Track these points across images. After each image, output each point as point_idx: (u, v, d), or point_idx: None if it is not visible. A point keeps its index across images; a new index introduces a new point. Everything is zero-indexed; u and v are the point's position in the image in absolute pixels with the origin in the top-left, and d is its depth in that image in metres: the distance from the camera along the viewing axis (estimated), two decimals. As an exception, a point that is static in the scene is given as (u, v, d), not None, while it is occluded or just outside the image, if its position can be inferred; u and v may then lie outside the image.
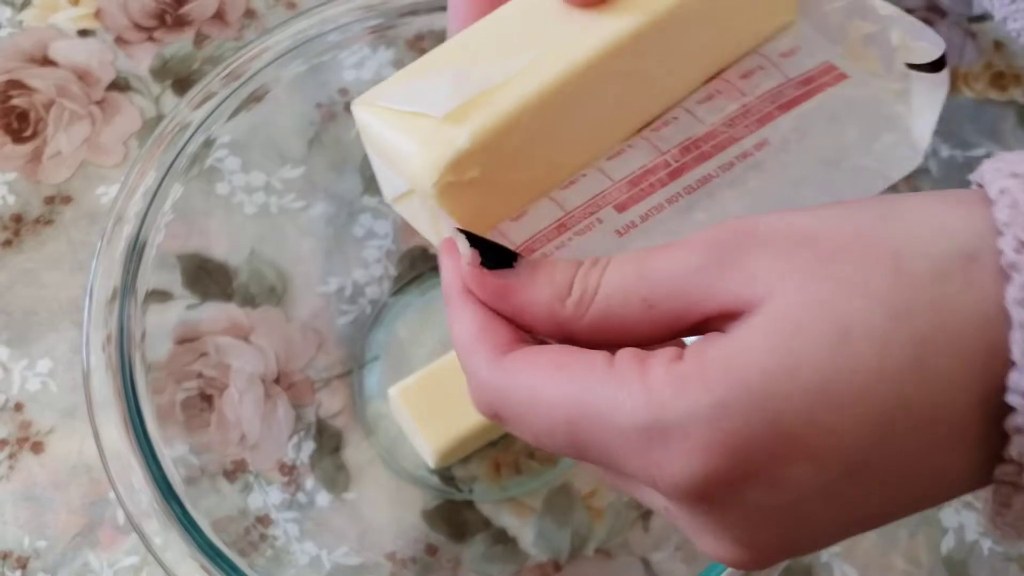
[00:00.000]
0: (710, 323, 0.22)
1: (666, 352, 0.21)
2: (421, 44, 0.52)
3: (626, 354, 0.21)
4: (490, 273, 0.23)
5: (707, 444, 0.20)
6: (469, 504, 0.45)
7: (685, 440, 0.20)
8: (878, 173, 0.27)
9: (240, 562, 0.37)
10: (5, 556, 0.44)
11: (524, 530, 0.45)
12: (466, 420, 0.43)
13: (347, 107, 0.51)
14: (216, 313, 0.47)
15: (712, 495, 0.20)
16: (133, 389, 0.40)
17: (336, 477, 0.45)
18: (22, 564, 0.44)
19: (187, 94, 0.44)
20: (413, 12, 0.47)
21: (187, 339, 0.46)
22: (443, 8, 0.46)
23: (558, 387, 0.21)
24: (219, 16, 0.54)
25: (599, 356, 0.22)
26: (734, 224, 0.22)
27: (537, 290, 0.23)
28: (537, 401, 0.22)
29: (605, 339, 0.22)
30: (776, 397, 0.20)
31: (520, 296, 0.23)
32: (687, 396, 0.20)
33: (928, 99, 0.26)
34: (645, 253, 0.22)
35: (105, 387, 0.40)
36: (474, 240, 0.23)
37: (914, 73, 0.26)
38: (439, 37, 0.53)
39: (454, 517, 0.45)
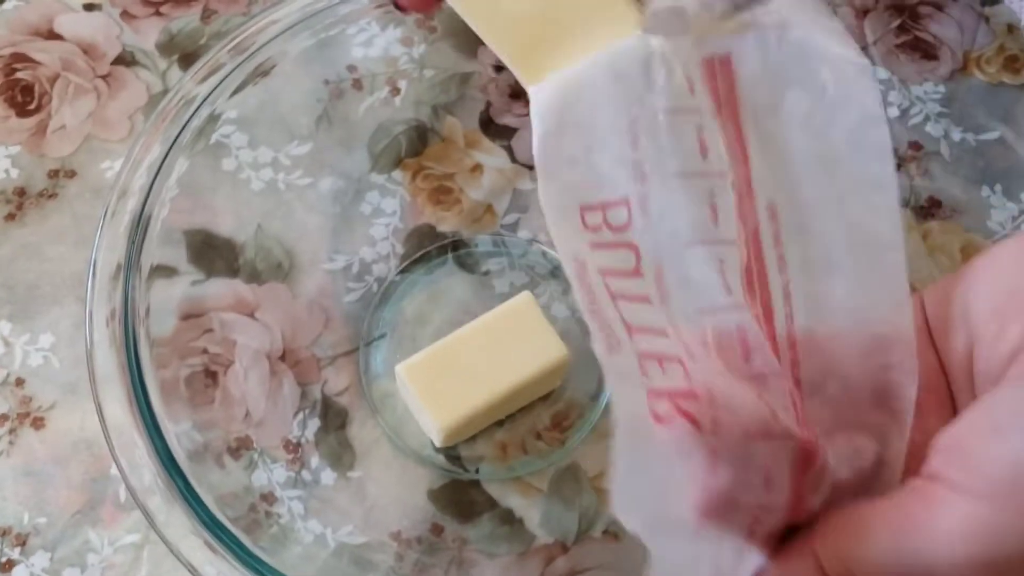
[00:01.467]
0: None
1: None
2: (429, 22, 0.52)
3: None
4: None
5: None
6: (475, 484, 0.45)
7: None
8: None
9: (244, 538, 0.36)
10: (4, 532, 0.43)
11: (530, 511, 0.44)
12: (473, 398, 0.42)
13: (355, 84, 0.51)
14: (221, 289, 0.47)
15: None
16: (138, 364, 0.40)
17: (341, 455, 0.45)
18: (21, 541, 0.43)
19: (192, 67, 0.43)
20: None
21: (192, 315, 0.46)
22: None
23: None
24: (226, -9, 0.54)
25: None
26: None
27: None
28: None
29: None
30: None
31: None
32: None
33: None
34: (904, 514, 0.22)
35: (108, 362, 0.39)
36: None
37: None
38: (447, 15, 0.53)
39: (460, 497, 0.45)
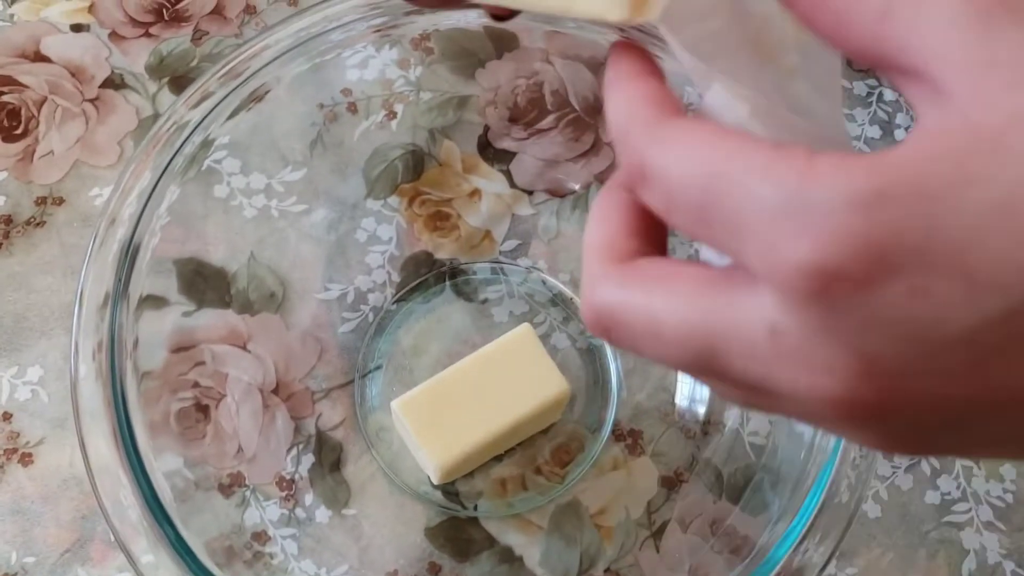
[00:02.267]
0: (923, 85, 0.19)
1: (840, 149, 0.19)
2: (426, 43, 0.51)
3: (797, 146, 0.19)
4: None
5: (851, 228, 0.17)
6: (473, 521, 0.44)
7: (828, 217, 0.17)
8: None
9: (235, 584, 0.35)
10: (-8, 571, 0.42)
11: (531, 548, 0.43)
12: (471, 435, 0.41)
13: (350, 107, 0.50)
14: (213, 320, 0.46)
15: (838, 290, 0.17)
16: (124, 400, 0.38)
17: (336, 492, 0.44)
18: (10, 580, 0.42)
19: (184, 92, 0.42)
20: (418, 11, 0.45)
21: (182, 347, 0.45)
22: (447, 7, 0.45)
23: (712, 142, 0.19)
24: (218, 12, 0.52)
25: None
26: None
27: None
28: (678, 157, 0.20)
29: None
30: (948, 206, 0.17)
31: None
32: (846, 179, 0.17)
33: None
34: None
35: (94, 397, 0.38)
36: None
37: None
38: (444, 37, 0.52)
39: (458, 534, 0.44)
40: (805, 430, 0.41)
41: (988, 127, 0.18)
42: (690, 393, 0.45)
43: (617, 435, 0.45)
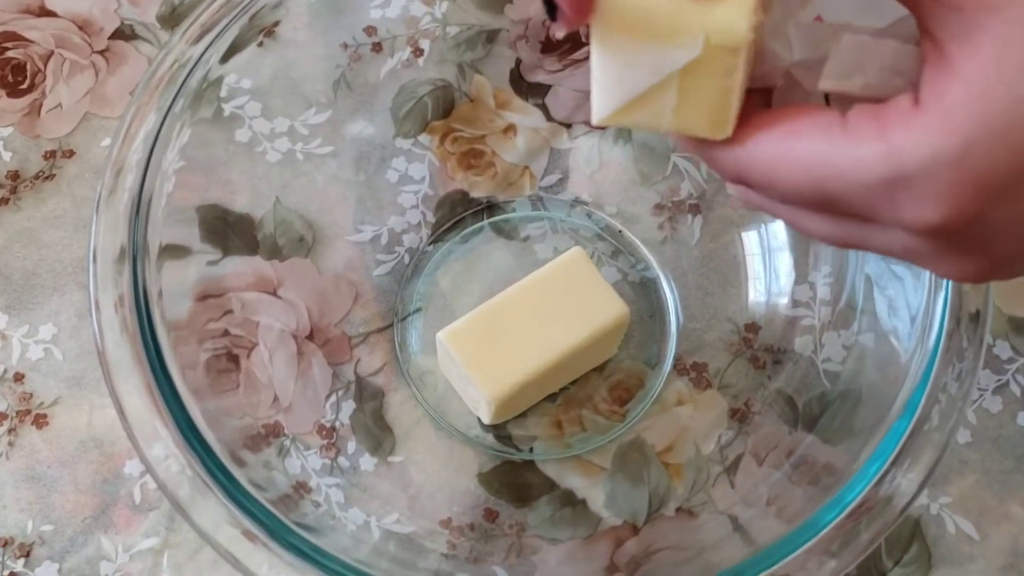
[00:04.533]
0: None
1: (899, 104, 0.21)
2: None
3: (859, 112, 0.22)
4: None
5: (953, 184, 0.21)
6: (530, 464, 0.40)
7: (933, 181, 0.21)
8: None
9: (287, 520, 0.32)
10: (6, 543, 0.39)
11: (594, 491, 0.40)
12: (525, 364, 0.38)
13: (374, 47, 0.47)
14: (240, 267, 0.43)
15: (960, 227, 0.21)
16: (156, 348, 0.35)
17: (380, 439, 0.40)
18: (25, 552, 0.39)
19: (179, 27, 0.39)
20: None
21: (209, 295, 0.41)
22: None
23: (798, 155, 0.22)
24: (230, -39, 0.50)
25: (832, 117, 0.22)
26: None
27: None
28: (780, 170, 0.23)
29: None
30: (1019, 128, 0.20)
31: None
32: (927, 143, 0.20)
33: None
34: None
35: (121, 351, 0.35)
36: None
37: None
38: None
39: (514, 479, 0.40)
40: (889, 349, 0.38)
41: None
42: (759, 322, 0.42)
43: (679, 369, 0.42)
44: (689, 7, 0.22)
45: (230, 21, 0.40)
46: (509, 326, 0.38)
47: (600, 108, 0.24)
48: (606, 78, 0.23)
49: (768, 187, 0.23)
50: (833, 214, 0.24)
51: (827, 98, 0.25)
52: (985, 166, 0.20)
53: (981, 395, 0.42)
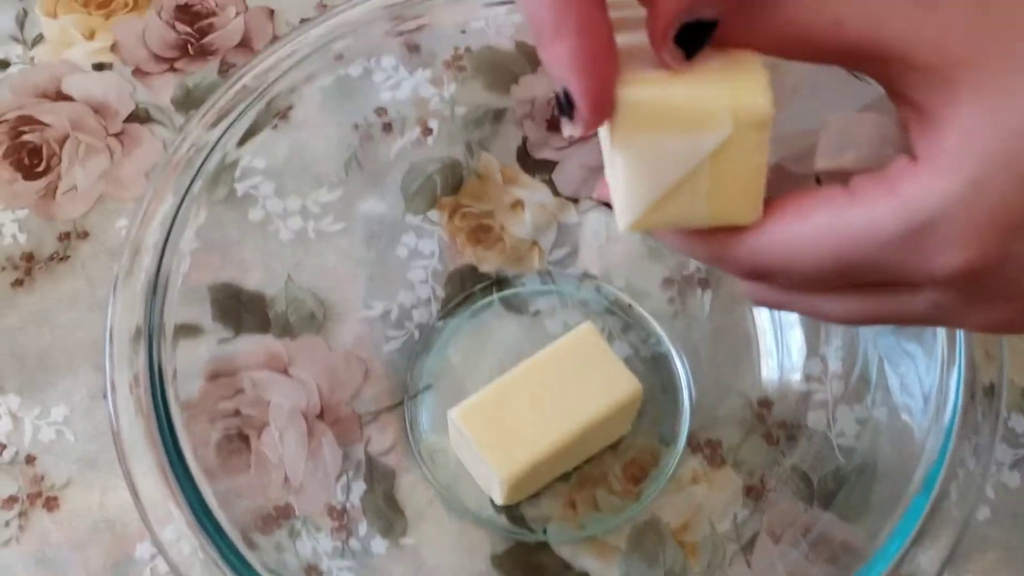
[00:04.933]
0: (891, 66, 0.21)
1: (898, 164, 0.22)
2: (459, 63, 0.49)
3: (860, 179, 0.22)
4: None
5: (972, 220, 0.21)
6: (543, 546, 0.40)
7: (951, 224, 0.21)
8: None
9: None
10: (15, 631, 0.38)
11: (609, 572, 0.39)
12: (537, 443, 0.38)
13: (385, 127, 0.48)
14: (251, 346, 0.43)
15: (986, 267, 0.21)
16: (171, 430, 0.35)
17: (392, 520, 0.40)
18: (34, 639, 0.38)
19: (197, 112, 0.40)
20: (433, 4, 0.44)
21: (220, 375, 0.42)
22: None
23: (813, 231, 0.22)
24: (245, 44, 0.51)
25: (835, 190, 0.22)
26: None
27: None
28: (797, 248, 0.23)
29: (782, 47, 0.22)
30: (1020, 157, 0.20)
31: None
32: (937, 188, 0.21)
33: None
34: None
35: (135, 431, 0.35)
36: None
37: None
38: (476, 56, 0.50)
39: (528, 561, 0.39)
40: (903, 424, 0.38)
41: (1005, 85, 0.20)
42: (773, 397, 0.42)
43: (693, 446, 0.42)
44: (709, 90, 0.22)
45: (246, 107, 0.41)
46: (521, 404, 0.38)
47: (629, 211, 0.23)
48: (634, 178, 0.23)
49: (786, 271, 0.23)
50: (856, 288, 0.23)
51: (818, 181, 0.25)
52: (998, 200, 0.21)
53: (998, 470, 0.41)
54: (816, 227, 0.22)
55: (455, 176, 0.47)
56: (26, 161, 0.48)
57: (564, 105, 0.22)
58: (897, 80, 0.22)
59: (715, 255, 0.24)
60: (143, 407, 0.35)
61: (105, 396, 0.35)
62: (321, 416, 0.42)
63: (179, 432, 0.36)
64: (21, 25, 0.52)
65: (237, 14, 0.52)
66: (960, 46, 0.21)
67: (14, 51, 0.51)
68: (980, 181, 0.20)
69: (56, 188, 0.47)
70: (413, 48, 0.48)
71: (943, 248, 0.21)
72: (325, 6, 0.53)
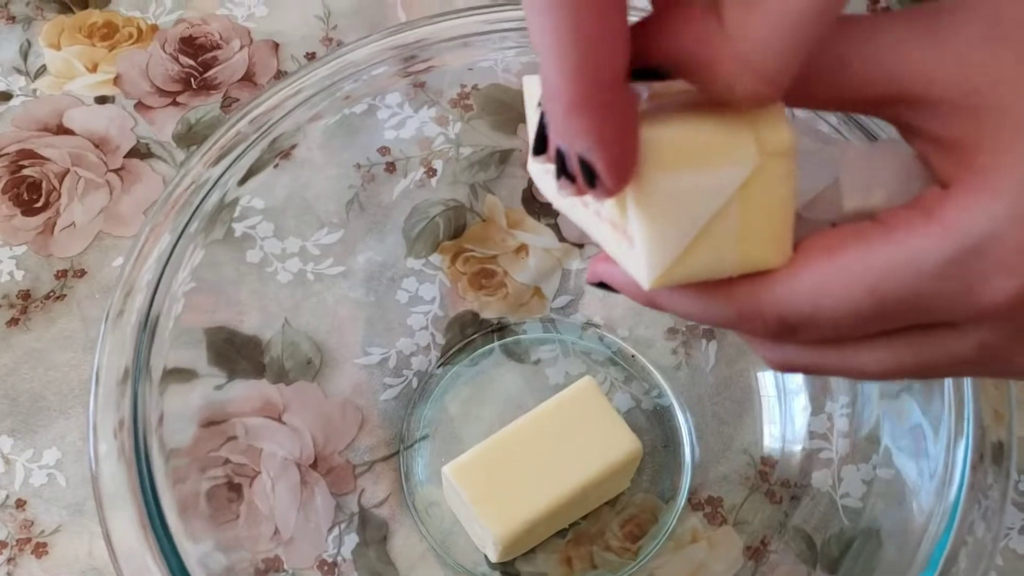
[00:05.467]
0: (905, 105, 0.20)
1: (931, 191, 0.20)
2: (464, 102, 0.49)
3: (891, 210, 0.21)
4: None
5: (1022, 242, 0.19)
6: (538, 604, 0.39)
7: (999, 247, 0.19)
8: None
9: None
10: None
11: (605, 633, 0.38)
12: (534, 502, 0.37)
13: (388, 167, 0.47)
14: (246, 391, 0.42)
15: None
16: (151, 480, 0.35)
17: (384, 575, 0.39)
18: None
19: (199, 149, 0.40)
20: (443, 48, 0.43)
21: (213, 422, 0.41)
22: (478, 34, 0.42)
23: (844, 268, 0.21)
24: (248, 78, 0.51)
25: (863, 225, 0.21)
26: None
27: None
28: (829, 291, 0.21)
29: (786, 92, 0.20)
30: None
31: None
32: (982, 208, 0.19)
33: None
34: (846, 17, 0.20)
35: (117, 479, 0.34)
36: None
37: None
38: (483, 94, 0.50)
39: (522, 620, 0.39)
40: (911, 485, 0.37)
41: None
42: (778, 455, 0.41)
43: (694, 504, 0.41)
44: (727, 124, 0.20)
45: (249, 145, 0.41)
46: (517, 460, 0.37)
47: (654, 264, 0.21)
48: (659, 225, 0.21)
49: (815, 317, 0.21)
50: (895, 333, 0.22)
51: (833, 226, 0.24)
52: None
53: (1007, 535, 0.40)
54: (849, 264, 0.20)
55: (458, 219, 0.46)
56: (25, 196, 0.47)
57: (584, 174, 0.19)
58: (912, 117, 0.21)
59: (739, 310, 0.22)
60: (126, 453, 0.35)
61: (87, 439, 0.34)
62: (315, 466, 0.41)
63: (160, 481, 0.35)
64: (25, 56, 0.51)
65: (241, 47, 0.51)
66: (978, 74, 0.19)
67: (17, 83, 0.50)
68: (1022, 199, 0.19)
69: (55, 224, 0.46)
70: (419, 85, 0.47)
71: (993, 275, 0.19)
72: (331, 40, 0.52)
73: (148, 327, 0.37)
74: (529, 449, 0.38)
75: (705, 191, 0.20)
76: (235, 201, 0.42)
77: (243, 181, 0.41)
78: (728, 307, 0.22)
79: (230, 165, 0.40)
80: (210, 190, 0.40)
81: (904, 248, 0.20)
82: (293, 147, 0.42)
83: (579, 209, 0.24)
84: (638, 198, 0.20)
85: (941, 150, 0.21)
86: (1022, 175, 0.19)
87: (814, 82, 0.21)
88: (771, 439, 0.41)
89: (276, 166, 0.42)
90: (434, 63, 0.43)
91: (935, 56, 0.20)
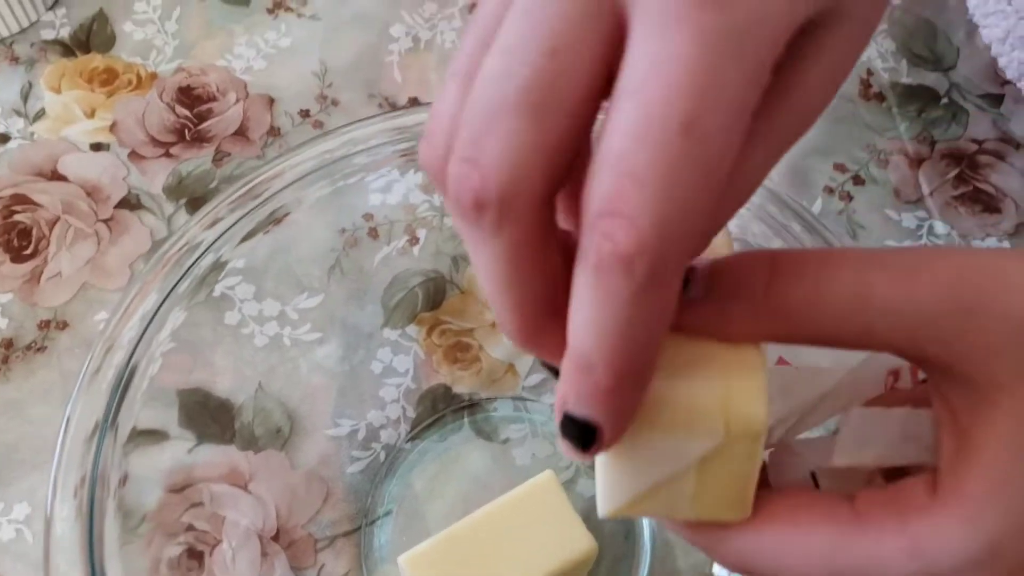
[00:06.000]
0: (932, 367, 0.20)
1: (916, 491, 0.20)
2: (453, 166, 0.49)
3: (870, 500, 0.21)
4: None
5: None
6: None
7: None
8: None
9: None
10: None
11: None
12: (487, 596, 0.37)
13: (371, 233, 0.47)
14: (214, 456, 0.43)
15: None
16: (93, 545, 0.35)
17: (336, 655, 0.39)
18: None
19: (199, 212, 0.40)
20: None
21: (180, 487, 0.41)
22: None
23: (811, 549, 0.21)
24: (241, 133, 0.51)
25: (840, 506, 0.21)
26: (973, 277, 0.19)
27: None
28: (790, 564, 0.21)
29: (794, 336, 0.20)
30: None
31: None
32: (956, 542, 0.20)
33: None
34: (869, 262, 0.20)
35: (72, 539, 0.35)
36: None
37: None
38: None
39: None
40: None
41: None
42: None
43: (649, 598, 0.41)
44: (701, 389, 0.20)
45: (247, 212, 0.41)
46: (472, 555, 0.38)
47: (608, 501, 0.22)
48: (616, 471, 0.22)
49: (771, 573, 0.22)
50: None
51: (814, 476, 0.24)
52: (1016, 563, 0.20)
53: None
54: (815, 547, 0.21)
55: (438, 290, 0.47)
56: (15, 243, 0.48)
57: (583, 438, 0.19)
58: (934, 378, 0.21)
59: (700, 545, 0.23)
60: (83, 513, 0.35)
61: (48, 493, 0.35)
62: (276, 537, 0.41)
63: (107, 546, 0.35)
64: (25, 98, 0.52)
65: (237, 100, 0.52)
66: (1004, 372, 0.19)
67: (15, 125, 0.51)
68: (1001, 540, 0.19)
69: (41, 273, 0.47)
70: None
71: None
72: (325, 97, 0.52)
73: (122, 385, 0.38)
74: (486, 543, 0.38)
75: (663, 454, 0.21)
76: (225, 264, 0.42)
77: (238, 246, 0.42)
78: (693, 538, 0.23)
79: (227, 229, 0.41)
80: (204, 252, 0.41)
81: (874, 555, 0.20)
82: (287, 215, 0.43)
83: None
84: None
85: (953, 427, 0.21)
86: (1006, 520, 0.19)
87: (833, 339, 0.21)
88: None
89: (267, 232, 0.43)
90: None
91: (970, 332, 0.19)
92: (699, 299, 0.20)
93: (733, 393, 0.20)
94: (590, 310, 0.18)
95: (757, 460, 0.21)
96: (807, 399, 0.24)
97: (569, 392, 0.19)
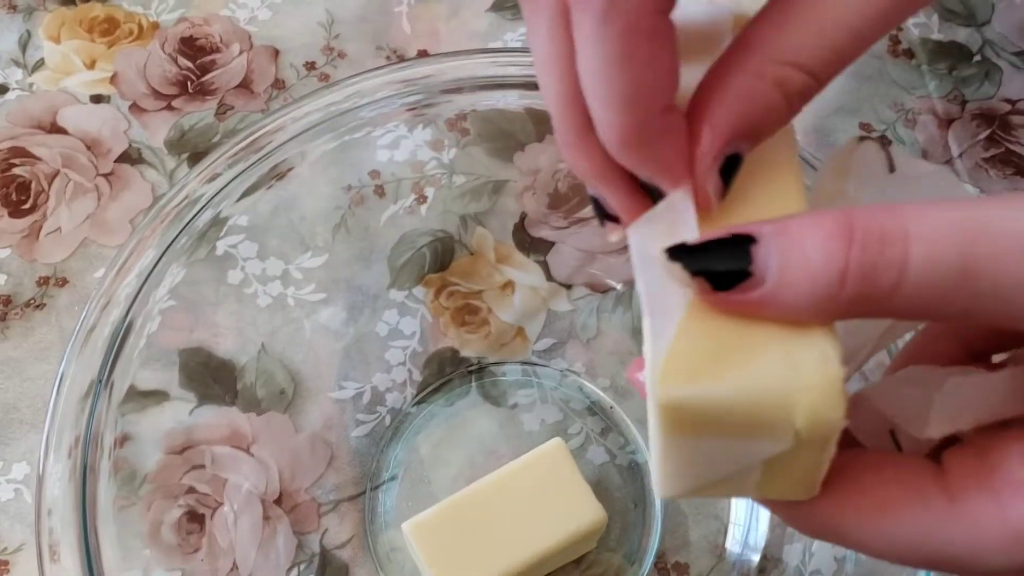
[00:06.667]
0: None
1: (1011, 462, 0.20)
2: (462, 124, 0.47)
3: (962, 475, 0.20)
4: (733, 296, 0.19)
5: None
6: (493, 660, 0.38)
7: None
8: None
9: None
10: None
11: None
12: (490, 567, 0.36)
13: (377, 190, 0.46)
14: (216, 418, 0.42)
15: None
16: (86, 505, 0.34)
17: (339, 621, 0.39)
18: None
19: (199, 164, 0.39)
20: (456, 90, 0.42)
21: (181, 447, 0.41)
22: (486, 87, 0.41)
23: (901, 534, 0.20)
24: (245, 85, 0.50)
25: (929, 485, 0.20)
26: None
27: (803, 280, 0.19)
28: (875, 546, 0.21)
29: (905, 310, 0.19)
30: None
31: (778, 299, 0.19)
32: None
33: None
34: (968, 202, 0.18)
35: (66, 500, 0.34)
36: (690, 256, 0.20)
37: None
38: (482, 117, 0.48)
39: (474, 676, 0.38)
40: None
41: None
42: (745, 524, 0.40)
43: (660, 568, 0.40)
44: (770, 395, 0.19)
45: (249, 166, 0.40)
46: (478, 522, 0.37)
47: (668, 488, 0.22)
48: (676, 466, 0.21)
49: (862, 550, 0.21)
50: None
51: (892, 434, 0.23)
52: None
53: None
54: (906, 532, 0.20)
55: (446, 251, 0.45)
56: (14, 197, 0.47)
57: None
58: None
59: (775, 513, 0.23)
60: (76, 473, 0.35)
61: (40, 453, 0.34)
62: (279, 501, 0.40)
63: (100, 507, 0.35)
64: (24, 48, 0.50)
65: (241, 52, 0.50)
66: None
67: (14, 76, 0.50)
68: None
69: (40, 228, 0.46)
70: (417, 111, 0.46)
71: None
72: (331, 49, 0.51)
73: (118, 342, 0.37)
74: (492, 511, 0.37)
75: (727, 456, 0.20)
76: (225, 220, 0.41)
77: (238, 201, 0.41)
78: (773, 509, 0.23)
79: (227, 184, 0.40)
80: (203, 207, 0.39)
81: (972, 541, 0.20)
82: (290, 169, 0.41)
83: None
84: (661, 437, 0.20)
85: None
86: None
87: (931, 318, 0.21)
88: (744, 506, 0.40)
89: (269, 187, 0.42)
90: (439, 102, 0.42)
91: None
92: (763, 283, 0.19)
93: (804, 395, 0.19)
94: (579, 56, 0.20)
95: (828, 453, 0.20)
96: (873, 333, 0.23)
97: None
